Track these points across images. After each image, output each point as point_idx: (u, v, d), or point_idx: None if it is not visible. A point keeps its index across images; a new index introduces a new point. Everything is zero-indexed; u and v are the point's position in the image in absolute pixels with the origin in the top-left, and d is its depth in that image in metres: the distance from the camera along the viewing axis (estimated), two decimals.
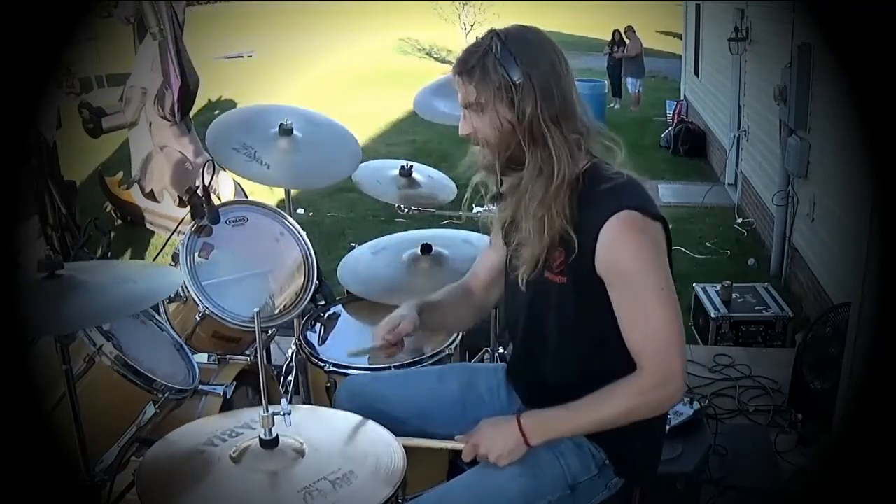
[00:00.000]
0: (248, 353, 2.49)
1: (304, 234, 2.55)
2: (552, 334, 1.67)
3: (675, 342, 1.52)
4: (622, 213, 1.50)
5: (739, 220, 7.26)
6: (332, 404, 2.01)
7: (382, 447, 1.55)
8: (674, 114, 11.09)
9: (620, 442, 1.63)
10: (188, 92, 6.88)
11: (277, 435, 1.51)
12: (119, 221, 7.16)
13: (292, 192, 2.76)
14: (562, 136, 1.53)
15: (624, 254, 1.51)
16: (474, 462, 1.71)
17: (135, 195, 7.16)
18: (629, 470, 1.71)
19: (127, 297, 1.73)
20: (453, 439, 1.67)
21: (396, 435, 1.60)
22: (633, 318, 1.54)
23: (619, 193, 1.53)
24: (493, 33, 1.55)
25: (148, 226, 7.02)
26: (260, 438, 1.51)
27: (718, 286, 4.77)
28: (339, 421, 1.67)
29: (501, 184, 1.64)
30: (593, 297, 1.57)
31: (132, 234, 6.91)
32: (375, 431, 1.61)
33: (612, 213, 1.51)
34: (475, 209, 1.92)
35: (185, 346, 2.26)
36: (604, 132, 1.62)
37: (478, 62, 1.53)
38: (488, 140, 1.58)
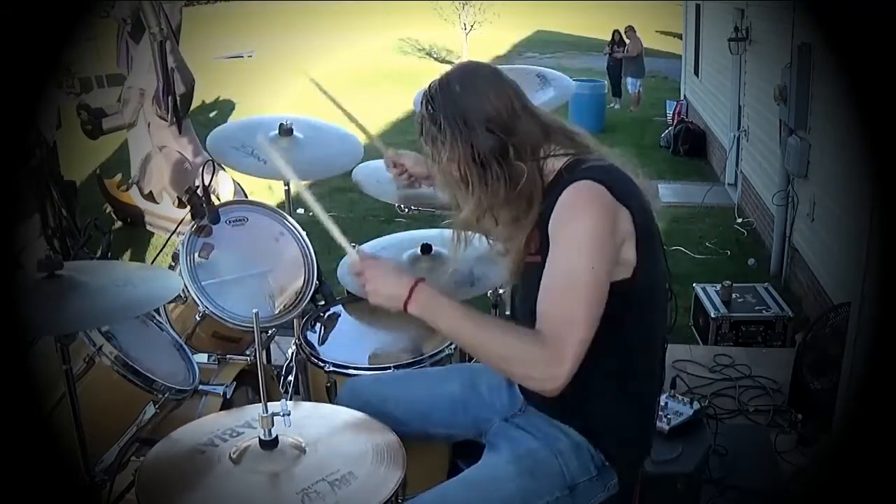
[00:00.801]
0: (248, 353, 2.49)
1: (304, 234, 2.55)
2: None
3: (578, 328, 1.44)
4: (585, 181, 1.51)
5: (739, 220, 7.26)
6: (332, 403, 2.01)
7: (383, 447, 1.55)
8: (674, 114, 11.09)
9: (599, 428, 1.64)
10: (180, 92, 6.86)
11: (277, 436, 1.51)
12: (119, 223, 7.15)
13: (292, 191, 2.76)
14: (500, 168, 1.57)
15: (573, 219, 1.49)
16: (473, 463, 1.71)
17: (133, 197, 7.16)
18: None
19: (126, 300, 1.73)
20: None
21: (400, 438, 1.59)
22: (552, 286, 1.49)
23: (591, 170, 1.54)
24: (426, 88, 1.63)
25: (147, 227, 7.02)
26: (259, 439, 1.51)
27: (718, 286, 4.77)
28: (340, 418, 1.67)
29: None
30: None
31: (132, 234, 6.91)
32: (377, 431, 1.61)
33: (573, 182, 1.52)
34: None
35: (185, 346, 2.26)
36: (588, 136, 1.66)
37: (419, 115, 1.64)
38: (454, 173, 1.62)
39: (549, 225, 1.53)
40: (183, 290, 2.29)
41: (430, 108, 1.61)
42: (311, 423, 1.62)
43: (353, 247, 1.68)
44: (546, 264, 1.51)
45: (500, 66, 1.71)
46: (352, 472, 1.46)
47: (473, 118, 1.56)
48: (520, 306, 1.75)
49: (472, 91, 1.59)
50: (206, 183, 2.40)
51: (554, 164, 1.61)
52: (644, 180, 1.63)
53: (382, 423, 1.65)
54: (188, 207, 2.40)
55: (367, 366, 2.32)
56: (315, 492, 1.40)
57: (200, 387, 2.17)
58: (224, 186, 6.66)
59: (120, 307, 1.72)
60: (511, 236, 1.66)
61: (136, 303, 1.75)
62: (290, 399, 2.44)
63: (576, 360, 1.44)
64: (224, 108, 12.73)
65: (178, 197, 6.76)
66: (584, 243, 1.47)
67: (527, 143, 1.58)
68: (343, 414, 1.70)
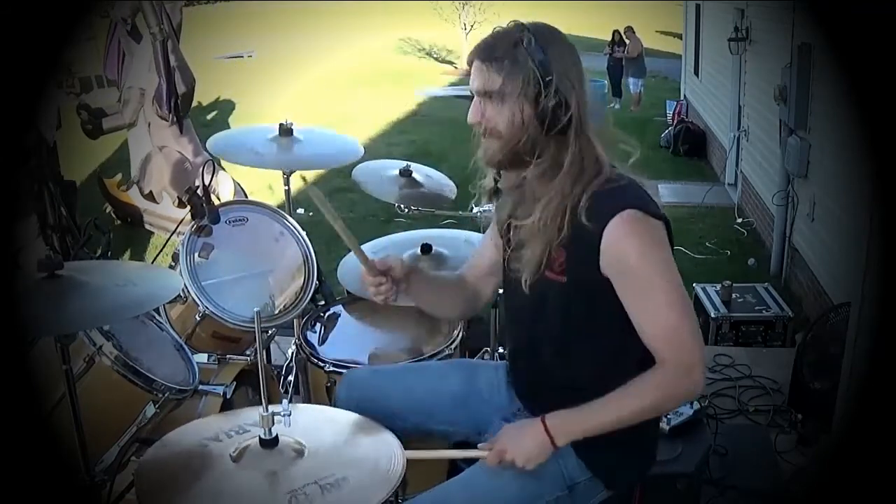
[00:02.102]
0: (248, 353, 2.49)
1: (304, 234, 2.55)
2: (554, 334, 1.66)
3: (692, 332, 1.52)
4: (625, 213, 1.51)
5: (739, 220, 7.26)
6: (332, 401, 2.01)
7: (383, 452, 1.53)
8: (674, 114, 11.09)
9: (595, 448, 1.62)
10: (181, 92, 6.84)
11: (277, 435, 1.51)
12: (118, 223, 7.15)
13: (292, 191, 2.76)
14: (582, 137, 1.54)
15: (629, 252, 1.51)
16: (473, 462, 1.71)
17: (133, 196, 7.15)
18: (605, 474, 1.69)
19: (127, 299, 1.72)
20: (476, 447, 1.66)
21: (398, 433, 1.59)
22: (648, 315, 1.54)
23: (622, 194, 1.54)
24: (521, 25, 1.55)
25: (147, 227, 7.02)
26: (260, 438, 1.50)
27: (718, 286, 4.77)
28: (341, 421, 1.66)
29: (500, 178, 1.66)
30: (594, 297, 1.57)
31: (132, 234, 6.91)
32: (379, 436, 1.59)
33: (614, 213, 1.51)
34: (475, 209, 1.92)
35: (185, 346, 2.26)
36: (620, 136, 1.63)
37: (506, 52, 1.52)
38: (500, 132, 1.56)
39: (605, 261, 1.52)
40: (183, 290, 2.30)
41: (531, 39, 1.51)
42: (313, 425, 1.61)
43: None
44: (627, 301, 1.54)
45: None
46: (346, 477, 1.44)
47: (565, 73, 1.51)
48: (529, 319, 1.71)
49: (568, 49, 1.56)
50: (206, 183, 2.40)
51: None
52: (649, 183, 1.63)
53: (380, 416, 1.64)
54: (188, 207, 2.40)
55: (367, 365, 2.32)
56: (304, 494, 1.39)
57: (200, 387, 2.16)
58: (224, 186, 6.65)
59: (120, 307, 1.72)
60: (538, 224, 1.58)
61: (135, 302, 1.75)
62: (290, 399, 2.44)
63: (701, 357, 1.52)
64: (224, 108, 12.73)
65: (178, 197, 6.75)
66: (650, 269, 1.52)
67: (589, 127, 1.56)
68: (346, 416, 1.69)
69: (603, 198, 1.54)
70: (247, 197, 6.50)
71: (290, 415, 1.54)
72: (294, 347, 2.53)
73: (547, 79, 1.50)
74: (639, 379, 1.54)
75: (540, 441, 1.56)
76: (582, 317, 1.61)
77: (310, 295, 2.46)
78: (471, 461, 1.74)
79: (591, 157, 1.55)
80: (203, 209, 2.37)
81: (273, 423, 1.51)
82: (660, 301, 1.52)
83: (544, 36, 1.54)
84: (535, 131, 1.53)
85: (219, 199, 3.41)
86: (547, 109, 1.51)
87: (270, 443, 1.50)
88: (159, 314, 2.33)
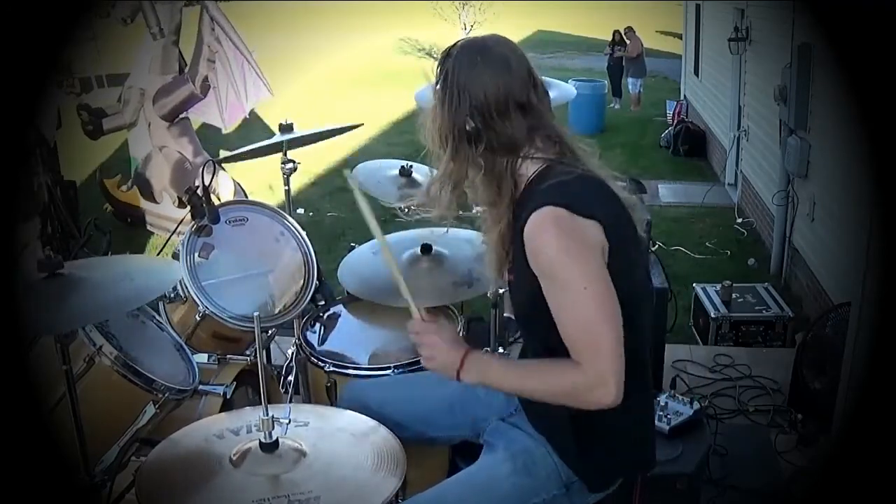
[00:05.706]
0: (248, 353, 2.49)
1: (304, 234, 2.55)
2: (521, 330, 1.73)
3: (604, 344, 1.48)
4: (542, 209, 1.51)
5: (739, 220, 7.26)
6: (332, 403, 2.02)
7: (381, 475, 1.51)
8: (674, 114, 11.08)
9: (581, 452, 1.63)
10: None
11: (278, 438, 1.51)
12: (119, 223, 7.15)
13: (292, 192, 2.76)
14: (500, 153, 1.59)
15: (543, 249, 1.51)
16: (471, 462, 1.73)
17: (134, 197, 7.15)
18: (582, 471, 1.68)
19: (125, 293, 1.73)
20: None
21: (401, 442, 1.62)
22: (562, 315, 1.53)
23: (551, 191, 1.54)
24: (453, 44, 1.63)
25: (148, 227, 7.02)
26: (260, 442, 1.50)
27: (718, 286, 4.77)
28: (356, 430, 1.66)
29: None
30: (537, 294, 1.56)
31: (132, 234, 6.91)
32: (387, 459, 1.58)
33: (534, 210, 1.52)
34: (475, 209, 1.91)
35: (185, 346, 2.26)
36: (574, 140, 1.65)
37: (438, 65, 1.63)
38: (433, 136, 1.65)
39: (528, 256, 1.54)
40: (183, 290, 2.30)
41: (447, 62, 1.61)
42: (329, 435, 1.61)
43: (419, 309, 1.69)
44: (547, 298, 1.54)
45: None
46: (320, 497, 1.42)
47: (466, 96, 1.57)
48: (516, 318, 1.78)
49: (476, 69, 1.58)
50: (206, 183, 2.40)
51: (528, 168, 1.62)
52: (623, 187, 1.63)
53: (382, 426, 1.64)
54: (188, 207, 2.40)
55: (367, 365, 2.32)
56: None
57: (200, 387, 2.16)
58: (224, 186, 6.65)
59: (119, 301, 1.73)
60: (487, 228, 1.69)
61: (134, 296, 1.76)
62: (291, 400, 2.44)
63: (616, 369, 1.48)
64: None
65: (178, 197, 6.75)
66: (563, 270, 1.50)
67: (503, 140, 1.59)
68: (359, 427, 1.69)
69: (536, 195, 1.56)
70: (247, 197, 6.50)
71: (289, 422, 1.54)
72: (294, 347, 2.53)
73: (461, 94, 1.57)
74: (560, 368, 1.53)
75: (451, 363, 1.60)
76: (532, 314, 1.62)
77: (310, 295, 2.46)
78: (470, 462, 1.75)
79: (503, 173, 1.60)
80: (203, 209, 2.37)
81: (273, 427, 1.50)
82: (573, 306, 1.50)
83: (465, 53, 1.59)
84: (464, 145, 1.59)
85: (219, 199, 3.41)
86: (453, 121, 1.58)
87: (270, 447, 1.50)
88: (159, 314, 2.33)
